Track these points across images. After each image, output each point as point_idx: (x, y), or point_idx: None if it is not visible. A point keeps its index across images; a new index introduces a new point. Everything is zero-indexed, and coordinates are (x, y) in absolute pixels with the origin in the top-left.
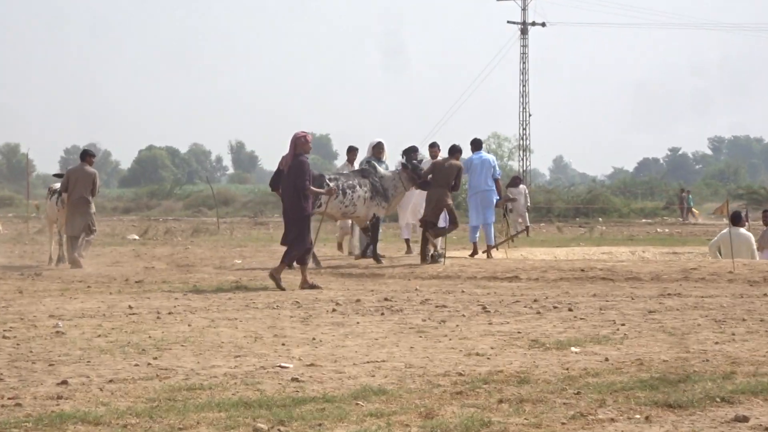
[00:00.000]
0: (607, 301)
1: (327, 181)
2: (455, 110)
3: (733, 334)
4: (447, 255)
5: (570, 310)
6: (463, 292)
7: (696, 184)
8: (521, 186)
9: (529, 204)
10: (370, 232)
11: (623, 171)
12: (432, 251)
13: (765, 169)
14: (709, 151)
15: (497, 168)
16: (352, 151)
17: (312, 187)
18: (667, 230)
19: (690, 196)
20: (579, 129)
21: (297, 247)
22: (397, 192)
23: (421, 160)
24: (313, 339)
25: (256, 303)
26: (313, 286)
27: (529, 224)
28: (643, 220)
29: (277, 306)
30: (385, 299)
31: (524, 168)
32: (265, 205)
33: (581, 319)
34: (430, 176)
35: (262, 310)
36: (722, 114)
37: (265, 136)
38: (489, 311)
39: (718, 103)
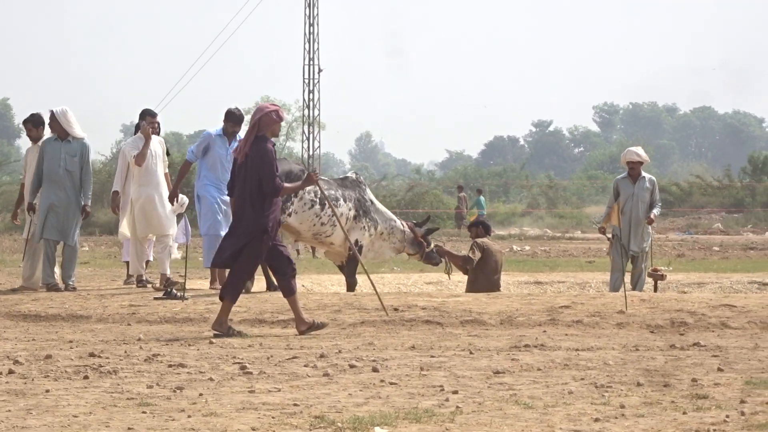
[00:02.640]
0: (432, 356)
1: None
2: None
3: (623, 407)
4: (188, 286)
5: (375, 370)
6: (211, 343)
7: (574, 177)
8: None
9: None
10: (347, 265)
11: (464, 157)
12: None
13: (680, 152)
14: (595, 126)
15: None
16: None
17: (286, 184)
18: (527, 248)
19: (483, 199)
20: (392, 91)
21: (241, 275)
22: (391, 244)
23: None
24: None
25: None
26: (231, 333)
27: None
28: (497, 233)
29: None
30: (91, 355)
31: (311, 151)
32: None
33: (392, 384)
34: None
35: None
36: (617, 66)
37: None
38: (251, 373)
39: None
